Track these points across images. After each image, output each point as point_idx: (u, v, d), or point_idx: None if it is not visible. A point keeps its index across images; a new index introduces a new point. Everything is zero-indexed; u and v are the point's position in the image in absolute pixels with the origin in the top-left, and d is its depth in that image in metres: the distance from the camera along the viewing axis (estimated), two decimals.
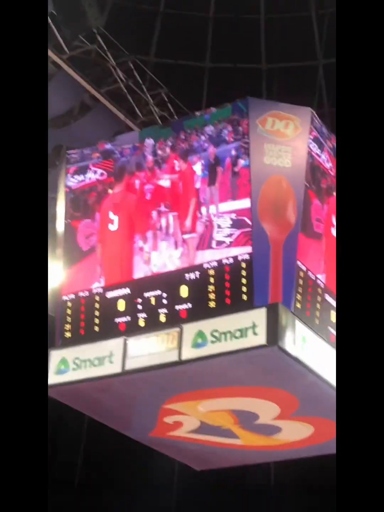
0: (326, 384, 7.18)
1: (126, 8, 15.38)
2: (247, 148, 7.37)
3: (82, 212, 8.25)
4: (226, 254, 7.15)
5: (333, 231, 7.86)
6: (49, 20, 11.85)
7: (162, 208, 7.79)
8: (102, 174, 8.28)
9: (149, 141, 8.07)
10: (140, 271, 7.68)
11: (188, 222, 7.59)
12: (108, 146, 8.36)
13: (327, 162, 7.81)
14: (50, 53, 12.06)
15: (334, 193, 8.00)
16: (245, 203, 7.23)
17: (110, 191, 8.18)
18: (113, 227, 8.03)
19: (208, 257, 7.25)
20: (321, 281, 7.39)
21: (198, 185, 7.67)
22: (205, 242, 7.37)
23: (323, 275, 7.48)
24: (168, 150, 7.93)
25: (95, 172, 8.30)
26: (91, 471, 16.75)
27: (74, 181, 8.38)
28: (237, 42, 15.74)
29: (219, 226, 7.34)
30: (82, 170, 8.37)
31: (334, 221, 7.89)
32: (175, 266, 7.45)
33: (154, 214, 7.82)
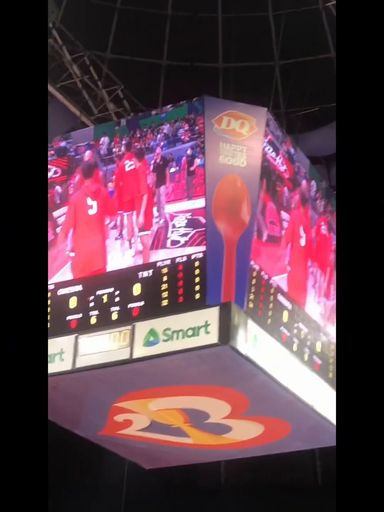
0: (277, 384, 7.21)
1: (82, 3, 15.27)
2: (202, 147, 7.36)
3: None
4: (181, 252, 7.12)
5: (302, 242, 7.93)
6: None
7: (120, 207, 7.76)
8: (55, 172, 8.20)
9: (104, 139, 8.01)
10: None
11: (140, 219, 7.55)
12: (63, 143, 8.29)
13: (282, 165, 7.84)
14: None
15: (301, 208, 8.09)
16: (200, 202, 7.22)
17: (58, 187, 8.07)
18: (92, 211, 7.93)
19: (162, 256, 7.22)
20: (274, 281, 7.40)
21: (149, 181, 7.63)
22: (160, 242, 7.33)
23: (279, 276, 7.50)
24: (123, 148, 7.89)
25: (49, 169, 8.21)
26: None
27: None
28: (194, 40, 15.72)
29: (174, 226, 7.31)
30: None
31: (302, 233, 7.96)
32: (128, 264, 7.40)
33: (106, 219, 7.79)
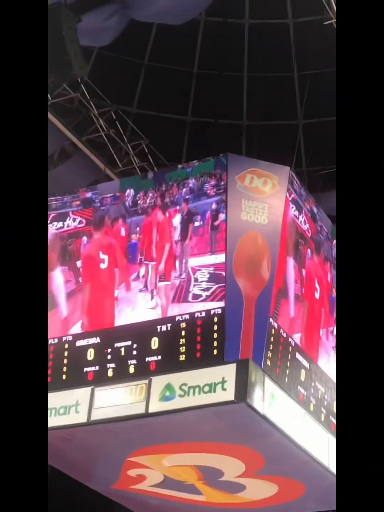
0: (293, 444, 7.15)
1: (110, 59, 15.51)
2: (226, 202, 7.42)
3: (60, 259, 8.21)
4: (201, 307, 7.13)
5: (316, 295, 7.93)
6: None
7: (140, 259, 7.81)
8: (80, 222, 8.28)
9: (130, 192, 8.10)
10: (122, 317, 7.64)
11: (161, 267, 7.59)
12: (89, 194, 8.39)
13: (305, 223, 7.88)
14: None
15: (315, 258, 8.09)
16: (222, 257, 7.25)
17: (85, 238, 8.16)
18: (104, 265, 7.99)
19: (182, 311, 7.23)
20: (293, 339, 7.38)
21: (174, 234, 7.69)
22: (181, 295, 7.35)
23: (298, 334, 7.49)
24: (148, 200, 7.96)
25: (74, 219, 8.29)
26: None
27: (52, 228, 8.35)
28: (219, 98, 15.90)
29: (196, 280, 7.34)
30: (62, 217, 8.37)
31: (317, 285, 7.96)
32: (148, 316, 7.41)
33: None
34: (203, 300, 7.20)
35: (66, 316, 7.92)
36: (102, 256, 8.03)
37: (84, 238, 8.19)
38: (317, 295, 8.02)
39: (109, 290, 7.86)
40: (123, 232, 8.03)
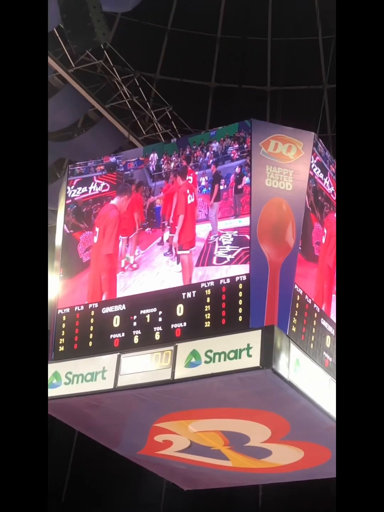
0: (318, 409, 7.16)
1: (133, 25, 15.43)
2: (251, 167, 7.38)
3: (84, 224, 8.25)
4: (225, 271, 7.13)
5: (323, 240, 7.83)
6: (57, 34, 11.91)
7: (162, 224, 7.81)
8: (104, 187, 8.28)
9: (154, 156, 8.08)
10: (127, 287, 7.67)
11: (175, 239, 7.60)
12: (112, 159, 8.38)
13: (330, 187, 7.82)
14: (56, 66, 12.10)
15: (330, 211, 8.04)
16: (247, 221, 7.23)
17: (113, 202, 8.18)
18: (95, 238, 8.06)
19: (207, 274, 7.23)
20: (317, 305, 7.37)
21: (191, 199, 7.67)
22: (205, 259, 7.35)
23: (322, 301, 7.47)
24: (172, 165, 7.94)
25: (98, 184, 8.30)
26: (78, 487, 16.64)
27: (77, 192, 8.37)
28: (243, 63, 15.77)
29: (221, 243, 7.33)
30: (86, 182, 8.37)
31: (325, 231, 7.87)
32: (172, 282, 7.42)
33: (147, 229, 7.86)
34: (228, 263, 7.19)
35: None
36: (96, 229, 8.07)
37: (113, 201, 8.19)
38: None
39: (101, 264, 7.93)
40: (145, 197, 8.03)
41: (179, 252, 7.53)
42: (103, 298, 7.74)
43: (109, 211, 8.12)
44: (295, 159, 7.50)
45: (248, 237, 7.17)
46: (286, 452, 8.23)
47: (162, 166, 8.00)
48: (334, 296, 7.81)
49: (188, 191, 7.72)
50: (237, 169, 7.53)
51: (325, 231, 7.72)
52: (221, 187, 7.58)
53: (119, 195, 8.13)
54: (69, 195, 8.39)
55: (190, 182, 7.76)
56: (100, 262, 7.98)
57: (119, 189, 8.17)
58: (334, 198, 7.91)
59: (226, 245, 7.30)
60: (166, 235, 7.75)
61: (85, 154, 11.63)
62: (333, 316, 7.65)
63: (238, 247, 7.23)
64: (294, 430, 7.65)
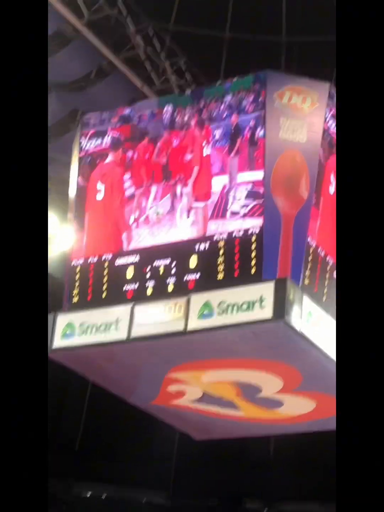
0: (331, 361, 7.19)
1: None
2: (264, 120, 7.34)
3: (89, 177, 8.23)
4: (239, 225, 7.13)
5: (331, 190, 7.77)
6: None
7: (176, 177, 7.79)
8: (113, 139, 8.25)
9: (168, 108, 8.03)
10: (140, 240, 7.69)
11: (188, 189, 7.58)
12: (127, 111, 8.34)
13: None
14: (69, 16, 12.00)
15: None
16: (261, 174, 7.21)
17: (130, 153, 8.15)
18: (100, 196, 8.04)
19: (221, 227, 7.24)
20: (331, 258, 7.37)
21: (209, 151, 7.64)
22: (219, 212, 7.35)
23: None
24: (186, 117, 7.90)
25: (113, 137, 8.27)
26: (92, 439, 16.86)
27: (91, 144, 8.34)
28: (257, 13, 15.58)
29: (235, 197, 7.33)
30: (100, 134, 8.34)
31: (332, 180, 7.81)
32: (185, 234, 7.44)
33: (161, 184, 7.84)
34: (241, 217, 7.19)
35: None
36: (99, 186, 8.06)
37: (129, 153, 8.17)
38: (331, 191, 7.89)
39: (109, 220, 7.94)
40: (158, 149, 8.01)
41: (194, 204, 7.53)
42: (116, 250, 7.77)
43: (113, 168, 8.09)
44: (310, 110, 7.45)
45: (261, 190, 7.16)
46: (298, 403, 8.30)
47: (177, 118, 7.97)
48: None
49: (204, 143, 7.69)
50: (252, 122, 7.48)
51: (333, 181, 7.67)
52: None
53: (120, 149, 8.11)
54: (83, 147, 8.37)
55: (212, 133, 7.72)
56: (110, 216, 7.97)
57: (122, 143, 8.14)
58: None
59: (240, 198, 7.30)
60: (179, 187, 7.75)
61: (99, 105, 11.55)
62: None
63: (252, 200, 7.22)
64: (306, 381, 7.71)
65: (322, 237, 7.31)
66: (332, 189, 7.67)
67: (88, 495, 16.41)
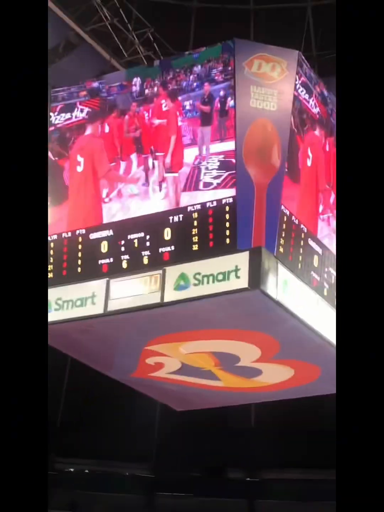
0: (307, 328, 7.24)
1: None
2: (234, 89, 7.30)
3: (69, 150, 8.17)
4: (212, 196, 7.12)
5: (308, 162, 7.77)
6: None
7: (150, 149, 7.75)
8: (88, 113, 8.19)
9: (137, 80, 7.97)
10: (113, 214, 7.66)
11: (167, 159, 7.55)
12: (95, 84, 8.26)
13: (315, 107, 7.76)
14: None
15: (327, 142, 7.97)
16: (232, 145, 7.19)
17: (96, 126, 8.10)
18: (80, 168, 7.99)
19: (193, 199, 7.22)
20: (304, 226, 7.38)
21: (180, 123, 7.61)
22: (192, 184, 7.33)
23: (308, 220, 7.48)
24: (156, 89, 7.85)
25: (82, 110, 8.21)
26: (73, 413, 16.89)
27: (60, 119, 8.27)
28: None
29: (207, 168, 7.30)
30: (69, 108, 8.27)
31: (309, 153, 7.80)
32: (158, 207, 7.42)
33: (133, 157, 7.80)
34: (214, 188, 7.17)
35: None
36: (79, 159, 8.00)
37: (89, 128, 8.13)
38: (309, 163, 7.90)
39: (87, 194, 7.89)
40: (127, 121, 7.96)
41: (166, 174, 7.49)
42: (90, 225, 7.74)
43: (92, 139, 8.04)
44: (279, 78, 7.42)
45: (233, 161, 7.14)
46: (277, 371, 8.35)
47: (146, 90, 7.91)
48: (321, 217, 7.85)
49: (178, 113, 7.65)
50: (222, 92, 7.45)
51: (310, 154, 7.69)
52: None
53: (98, 122, 8.06)
54: (52, 122, 8.31)
55: (183, 104, 7.67)
56: (87, 190, 7.93)
57: (97, 116, 8.10)
58: (319, 119, 7.85)
59: (212, 169, 7.27)
60: (150, 160, 7.71)
61: (67, 79, 11.41)
62: (320, 236, 7.69)
63: (224, 171, 7.20)
64: (283, 349, 7.75)
65: (295, 205, 7.31)
66: (309, 162, 7.69)
67: (71, 470, 16.47)
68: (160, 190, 7.50)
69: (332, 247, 7.81)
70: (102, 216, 7.73)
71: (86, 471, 16.56)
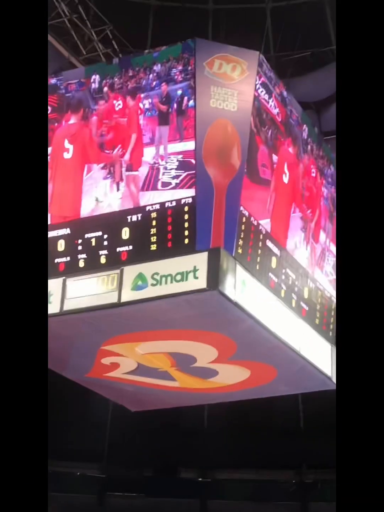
0: (264, 329, 7.25)
1: None
2: (195, 89, 7.27)
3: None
4: (171, 196, 7.08)
5: (285, 179, 7.86)
6: None
7: (109, 150, 7.66)
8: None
9: (96, 77, 7.90)
10: (86, 207, 7.55)
11: (127, 157, 7.48)
12: (53, 81, 8.17)
13: (275, 108, 7.76)
14: None
15: (285, 142, 8.00)
16: (191, 145, 7.15)
17: (55, 124, 7.98)
18: (68, 155, 7.86)
19: (152, 199, 7.17)
20: (263, 227, 7.38)
21: (141, 121, 7.55)
22: (150, 183, 7.27)
23: (267, 221, 7.48)
24: (115, 86, 7.77)
25: None
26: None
27: None
28: None
29: (165, 168, 7.25)
30: None
31: (286, 169, 7.90)
32: (117, 206, 7.35)
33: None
34: (173, 188, 7.14)
35: None
36: (67, 145, 7.89)
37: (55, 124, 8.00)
38: (285, 180, 7.95)
39: (75, 181, 7.75)
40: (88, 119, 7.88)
41: (126, 173, 7.42)
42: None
43: (81, 128, 7.90)
44: (239, 79, 7.41)
45: (193, 161, 7.11)
46: (233, 371, 8.35)
47: (104, 87, 7.84)
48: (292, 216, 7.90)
49: (139, 111, 7.58)
50: (180, 92, 7.41)
51: (287, 171, 7.74)
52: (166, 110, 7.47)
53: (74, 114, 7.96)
54: None
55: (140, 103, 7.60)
56: (76, 177, 7.77)
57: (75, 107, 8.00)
58: (279, 120, 7.86)
59: (171, 169, 7.23)
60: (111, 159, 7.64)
61: None
62: (290, 236, 7.75)
63: (183, 171, 7.17)
64: (240, 350, 7.75)
65: (254, 206, 7.30)
66: (286, 178, 7.81)
67: None
68: (118, 189, 7.43)
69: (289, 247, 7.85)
70: (80, 209, 7.59)
71: None
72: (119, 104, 7.71)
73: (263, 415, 15.20)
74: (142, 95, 7.61)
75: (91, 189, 7.57)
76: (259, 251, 7.31)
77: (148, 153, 7.44)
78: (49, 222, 7.59)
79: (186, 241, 6.89)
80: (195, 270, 6.70)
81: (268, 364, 8.15)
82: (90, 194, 7.56)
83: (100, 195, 7.50)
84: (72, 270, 7.31)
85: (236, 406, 10.73)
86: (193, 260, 6.75)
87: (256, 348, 7.71)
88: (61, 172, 7.82)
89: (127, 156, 7.48)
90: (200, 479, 16.16)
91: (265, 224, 7.46)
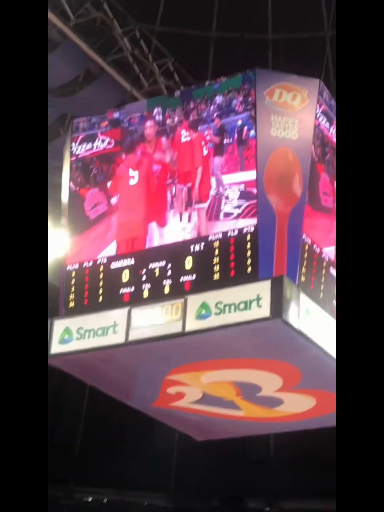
0: (329, 357, 7.19)
1: None
2: (255, 119, 7.33)
3: (90, 181, 8.21)
4: (233, 226, 7.12)
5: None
6: None
7: (173, 181, 7.74)
8: (109, 143, 8.24)
9: (157, 110, 8.01)
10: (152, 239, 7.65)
11: (196, 191, 7.57)
12: (116, 114, 8.31)
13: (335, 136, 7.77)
14: (56, 20, 11.97)
15: None
16: (252, 174, 7.20)
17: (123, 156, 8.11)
18: (133, 181, 7.97)
19: (214, 229, 7.23)
20: (326, 254, 7.37)
21: (205, 152, 7.62)
22: (213, 214, 7.34)
23: (331, 248, 7.46)
24: (176, 119, 7.88)
25: (103, 140, 8.25)
26: (91, 441, 16.83)
27: (81, 149, 8.33)
28: (243, 12, 15.59)
29: (227, 198, 7.31)
30: (90, 138, 8.33)
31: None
32: (181, 237, 7.42)
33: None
34: (235, 218, 7.18)
35: (98, 238, 7.97)
36: (132, 173, 8.01)
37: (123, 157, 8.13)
38: None
39: (140, 206, 7.85)
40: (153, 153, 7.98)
41: (197, 205, 7.49)
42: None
43: (145, 157, 8.01)
44: (300, 107, 7.44)
45: (254, 191, 7.15)
46: (298, 400, 8.29)
47: (167, 120, 7.95)
48: None
49: (203, 143, 7.67)
50: (240, 122, 7.48)
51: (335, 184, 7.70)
52: (226, 141, 7.53)
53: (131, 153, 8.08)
54: (73, 152, 8.35)
55: (205, 134, 7.68)
56: (141, 203, 7.87)
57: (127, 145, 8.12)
58: None
59: (233, 199, 7.29)
60: (174, 189, 7.71)
61: (88, 109, 11.54)
62: None
63: (245, 201, 7.21)
64: (305, 378, 7.70)
65: (317, 234, 7.30)
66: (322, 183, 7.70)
67: (90, 500, 16.39)
68: (181, 220, 7.50)
69: None
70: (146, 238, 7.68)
71: (105, 500, 16.46)
72: (184, 137, 7.80)
73: (329, 444, 15.00)
74: (203, 126, 7.70)
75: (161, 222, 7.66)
76: (323, 279, 7.30)
77: (214, 184, 7.52)
78: (114, 253, 7.71)
79: (249, 269, 6.91)
80: (258, 298, 6.70)
81: (334, 393, 8.06)
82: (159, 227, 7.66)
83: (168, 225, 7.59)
84: (136, 300, 7.39)
85: (303, 435, 10.61)
86: (256, 288, 6.75)
87: (321, 377, 7.65)
88: (128, 200, 7.93)
89: (196, 191, 7.56)
90: (267, 509, 16.02)
91: (329, 251, 7.45)
